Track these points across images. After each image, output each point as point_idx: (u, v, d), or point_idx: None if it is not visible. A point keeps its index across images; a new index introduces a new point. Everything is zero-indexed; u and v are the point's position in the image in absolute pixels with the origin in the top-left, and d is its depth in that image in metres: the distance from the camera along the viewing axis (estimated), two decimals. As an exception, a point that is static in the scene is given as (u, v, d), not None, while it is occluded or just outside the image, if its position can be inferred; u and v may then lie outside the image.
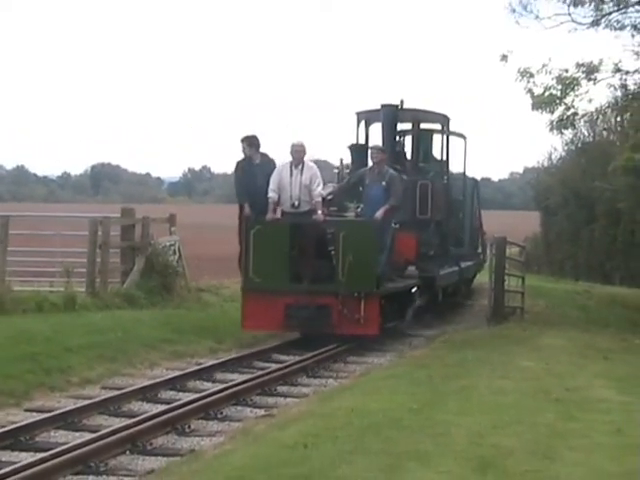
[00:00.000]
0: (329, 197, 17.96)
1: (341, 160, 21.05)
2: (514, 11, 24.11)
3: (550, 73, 23.48)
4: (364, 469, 8.03)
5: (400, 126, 22.10)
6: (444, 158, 22.23)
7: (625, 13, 23.27)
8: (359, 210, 18.00)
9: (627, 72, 24.55)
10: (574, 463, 8.57)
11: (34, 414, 10.92)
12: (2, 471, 8.20)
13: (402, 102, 20.67)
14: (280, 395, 12.92)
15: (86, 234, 19.65)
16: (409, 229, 18.95)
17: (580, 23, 23.36)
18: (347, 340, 16.59)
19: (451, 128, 22.78)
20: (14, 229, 19.96)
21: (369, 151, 18.66)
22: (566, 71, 23.37)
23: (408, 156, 22.03)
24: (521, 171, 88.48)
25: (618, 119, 36.38)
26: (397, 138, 22.52)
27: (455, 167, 23.83)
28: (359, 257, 15.96)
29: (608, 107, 28.62)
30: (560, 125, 24.76)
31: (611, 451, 9.13)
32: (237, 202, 17.77)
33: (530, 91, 23.63)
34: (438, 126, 22.26)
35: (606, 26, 23.40)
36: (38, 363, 13.01)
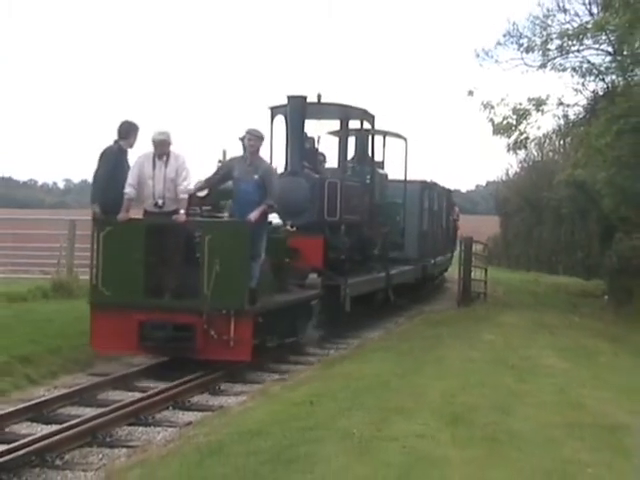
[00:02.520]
0: (202, 194, 12.40)
1: (224, 152, 13.75)
2: (478, 56, 24.18)
3: (507, 105, 23.64)
4: (359, 422, 8.02)
5: (323, 123, 17.45)
6: (371, 158, 17.92)
7: (566, 58, 23.32)
8: None
9: (568, 105, 24.68)
10: (526, 417, 8.58)
11: (95, 378, 10.93)
12: (72, 422, 8.23)
13: (320, 96, 15.89)
14: (291, 363, 12.90)
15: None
16: (316, 232, 14.59)
17: (531, 66, 23.44)
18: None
19: (392, 130, 19.81)
20: (80, 230, 19.97)
21: (247, 137, 11.99)
22: (520, 104, 23.49)
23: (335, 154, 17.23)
24: (484, 184, 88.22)
25: (561, 142, 36.42)
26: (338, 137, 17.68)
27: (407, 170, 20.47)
28: (228, 267, 10.76)
29: (553, 133, 28.67)
30: (515, 147, 24.96)
31: (555, 407, 9.15)
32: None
33: (491, 120, 23.79)
34: (366, 124, 17.13)
35: (551, 68, 23.44)
36: (99, 337, 13.00)
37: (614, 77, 23.52)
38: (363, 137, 17.80)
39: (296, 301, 13.10)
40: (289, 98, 14.99)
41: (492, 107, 23.85)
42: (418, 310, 20.74)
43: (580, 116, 25.38)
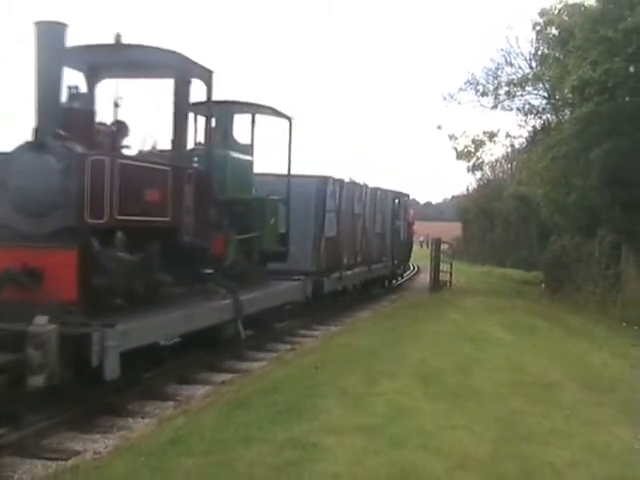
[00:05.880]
0: None
1: None
2: (445, 99, 24.32)
3: (467, 137, 23.99)
4: (353, 382, 8.03)
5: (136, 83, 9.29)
6: (205, 137, 9.89)
7: (512, 101, 23.55)
8: None
9: (514, 137, 25.02)
10: (482, 377, 8.59)
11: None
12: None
13: (119, 36, 8.35)
14: (301, 336, 12.86)
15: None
16: (68, 242, 6.96)
17: (485, 106, 23.65)
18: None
19: (269, 105, 11.80)
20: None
21: None
22: (477, 136, 23.85)
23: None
24: (450, 197, 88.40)
25: (509, 166, 36.61)
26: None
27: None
28: None
29: (502, 158, 28.92)
30: (473, 169, 25.37)
31: (503, 370, 9.15)
32: None
33: (455, 148, 24.09)
34: (198, 81, 8.94)
35: (501, 108, 23.70)
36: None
37: (549, 116, 23.71)
38: (223, 112, 10.92)
39: None
40: (35, 25, 7.14)
41: (456, 138, 24.19)
42: (399, 296, 20.76)
43: (523, 145, 25.64)
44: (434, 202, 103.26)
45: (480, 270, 34.13)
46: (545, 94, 22.95)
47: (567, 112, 20.49)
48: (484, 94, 23.26)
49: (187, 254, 8.56)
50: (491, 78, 23.42)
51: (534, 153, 22.33)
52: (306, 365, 9.18)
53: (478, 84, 23.37)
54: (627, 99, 15.97)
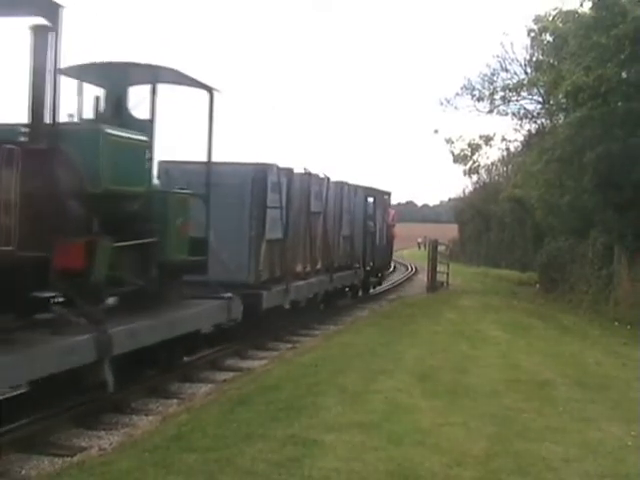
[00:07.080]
0: None
1: None
2: (442, 104, 24.41)
3: (464, 141, 24.09)
4: (352, 379, 8.03)
5: None
6: (54, 102, 5.80)
7: (508, 106, 23.66)
8: None
9: (509, 141, 25.10)
10: (477, 375, 8.58)
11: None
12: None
13: None
14: (301, 335, 12.86)
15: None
16: None
17: (481, 111, 23.69)
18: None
19: (174, 68, 8.23)
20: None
21: None
22: (473, 140, 23.96)
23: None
24: (447, 199, 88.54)
25: (504, 169, 36.68)
26: None
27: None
28: None
29: (498, 161, 28.94)
30: (470, 172, 25.55)
31: (499, 368, 9.14)
32: None
33: (452, 152, 24.17)
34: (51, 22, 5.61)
35: (497, 113, 23.77)
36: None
37: (543, 120, 23.74)
38: (115, 77, 8.12)
39: None
40: None
41: (452, 142, 24.34)
42: (397, 295, 20.75)
43: (518, 149, 25.72)
44: (431, 204, 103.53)
45: (476, 271, 34.11)
46: (540, 99, 23.00)
47: (561, 116, 20.53)
48: (480, 99, 23.33)
49: (7, 271, 5.36)
50: (487, 83, 23.50)
51: (529, 156, 22.37)
52: (306, 363, 9.17)
53: (474, 89, 23.45)
54: (619, 104, 15.99)
